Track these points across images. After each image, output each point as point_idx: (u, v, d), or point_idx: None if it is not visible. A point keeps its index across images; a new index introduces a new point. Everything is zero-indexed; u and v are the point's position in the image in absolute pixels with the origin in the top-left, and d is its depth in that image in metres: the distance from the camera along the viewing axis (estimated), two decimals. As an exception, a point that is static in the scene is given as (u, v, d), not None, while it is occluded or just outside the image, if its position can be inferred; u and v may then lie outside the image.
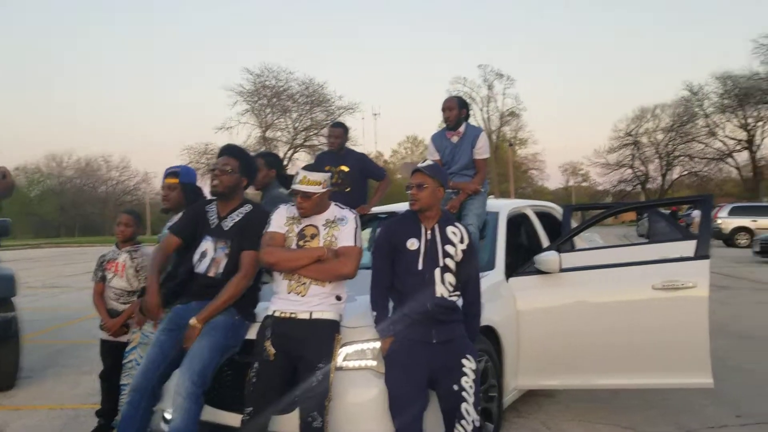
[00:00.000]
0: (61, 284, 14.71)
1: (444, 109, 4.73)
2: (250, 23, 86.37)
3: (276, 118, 46.30)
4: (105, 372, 4.07)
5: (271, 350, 3.03)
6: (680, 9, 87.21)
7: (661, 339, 3.89)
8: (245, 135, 44.81)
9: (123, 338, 3.95)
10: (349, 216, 3.20)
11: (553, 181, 72.94)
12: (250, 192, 4.25)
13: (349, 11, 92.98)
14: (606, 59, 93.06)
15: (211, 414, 3.25)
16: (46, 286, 14.26)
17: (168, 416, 3.34)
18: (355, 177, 5.11)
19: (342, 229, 3.15)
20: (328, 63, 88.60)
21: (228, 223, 3.35)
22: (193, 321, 3.16)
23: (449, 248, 3.18)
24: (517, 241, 5.28)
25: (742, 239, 22.10)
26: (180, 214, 3.77)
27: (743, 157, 49.43)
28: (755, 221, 22.41)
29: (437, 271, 3.13)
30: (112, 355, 3.99)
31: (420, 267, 3.13)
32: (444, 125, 4.81)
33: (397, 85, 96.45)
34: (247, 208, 3.41)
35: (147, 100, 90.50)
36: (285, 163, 26.85)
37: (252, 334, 3.28)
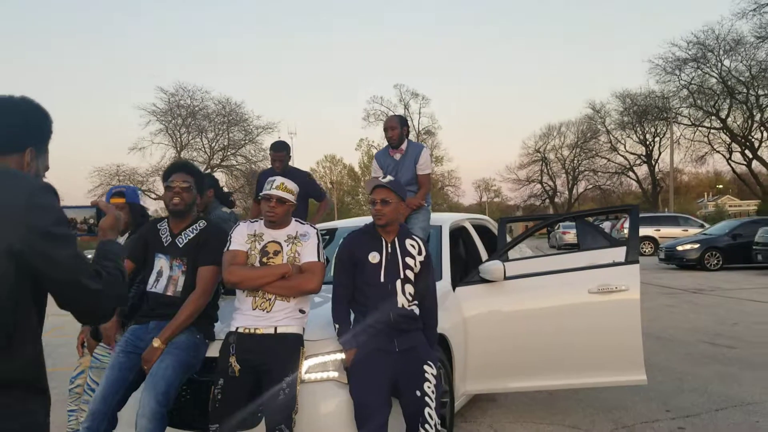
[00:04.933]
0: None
1: (386, 129, 4.88)
2: (164, 41, 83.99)
3: (192, 138, 45.22)
4: None
5: (236, 366, 3.04)
6: (583, 31, 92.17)
7: (599, 340, 4.16)
8: (159, 156, 43.47)
9: None
10: (311, 231, 3.28)
11: (468, 197, 74.68)
12: None
13: (265, 31, 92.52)
14: (514, 78, 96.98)
15: (173, 434, 3.22)
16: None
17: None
18: (297, 195, 5.15)
19: (305, 244, 3.22)
20: (244, 82, 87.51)
21: (182, 240, 3.33)
22: (156, 342, 3.12)
23: (409, 260, 3.32)
24: (458, 253, 5.49)
25: (647, 248, 23.47)
26: (126, 236, 3.73)
27: (643, 170, 52.63)
28: (658, 230, 23.88)
29: (398, 283, 3.26)
30: None
31: (382, 279, 3.24)
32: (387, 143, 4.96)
33: (314, 104, 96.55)
34: (201, 224, 3.40)
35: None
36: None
37: (212, 352, 3.28)
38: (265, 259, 3.18)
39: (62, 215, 1.54)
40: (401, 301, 3.25)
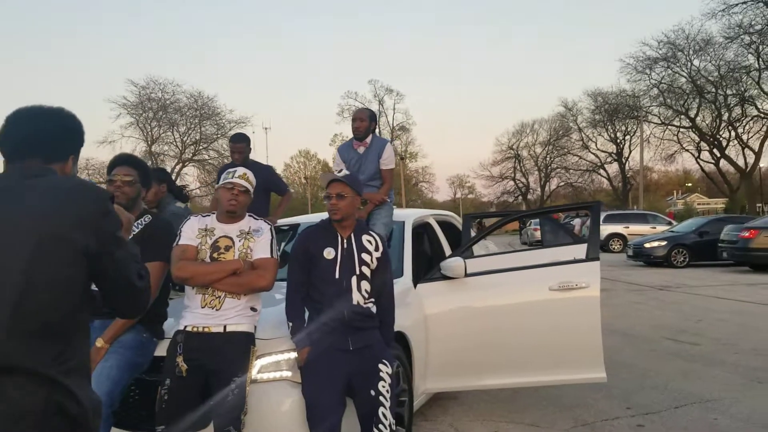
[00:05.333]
0: None
1: (355, 119, 4.81)
2: (136, 33, 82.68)
3: (163, 131, 44.58)
4: None
5: (183, 366, 2.94)
6: (557, 28, 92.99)
7: (559, 337, 4.13)
8: (129, 149, 42.58)
9: None
10: (264, 227, 3.18)
11: (442, 193, 74.89)
12: None
13: (239, 25, 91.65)
14: (488, 75, 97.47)
15: (120, 436, 3.11)
16: None
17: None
18: (258, 189, 5.04)
19: (257, 240, 3.13)
20: (218, 76, 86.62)
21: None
22: (99, 342, 3.00)
23: (365, 256, 3.24)
24: (422, 249, 5.43)
25: (616, 245, 23.75)
26: None
27: (614, 168, 53.33)
28: (627, 227, 24.19)
29: (354, 279, 3.18)
30: None
31: (337, 276, 3.16)
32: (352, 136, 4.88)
33: (288, 100, 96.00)
34: (146, 219, 3.27)
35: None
36: (174, 177, 25.85)
37: (160, 351, 3.17)
38: (215, 255, 3.08)
39: (120, 221, 1.76)
40: (356, 298, 3.17)
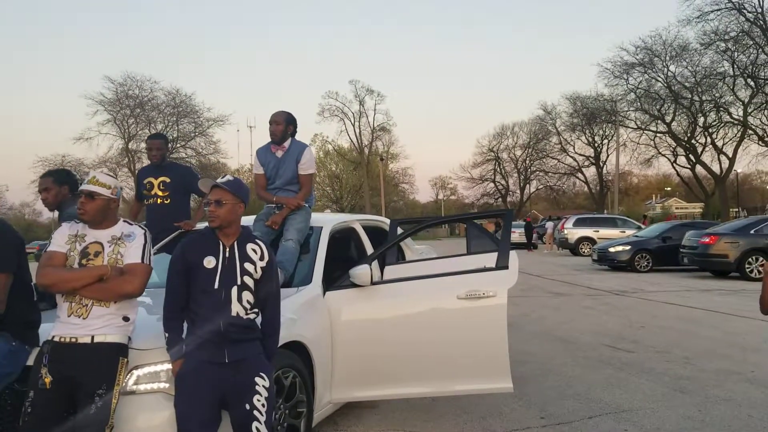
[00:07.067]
0: None
1: (271, 122, 4.73)
2: (114, 29, 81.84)
3: (140, 129, 44.21)
4: None
5: (47, 378, 2.84)
6: (536, 31, 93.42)
7: (466, 347, 4.07)
8: (106, 146, 42.33)
9: None
10: (138, 232, 3.08)
11: (423, 194, 75.00)
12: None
13: (221, 23, 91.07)
14: (469, 77, 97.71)
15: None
16: None
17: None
18: (177, 190, 4.97)
19: (129, 245, 3.02)
20: (201, 74, 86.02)
21: None
22: None
23: (248, 266, 3.14)
24: (347, 256, 5.36)
25: (586, 248, 23.83)
26: None
27: (591, 172, 53.66)
28: (597, 231, 24.28)
29: (234, 290, 3.08)
30: None
31: (216, 286, 3.06)
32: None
33: (273, 98, 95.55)
34: None
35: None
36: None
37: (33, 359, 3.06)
38: (84, 261, 2.97)
39: None
40: (236, 309, 3.07)
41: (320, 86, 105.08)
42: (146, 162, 7.41)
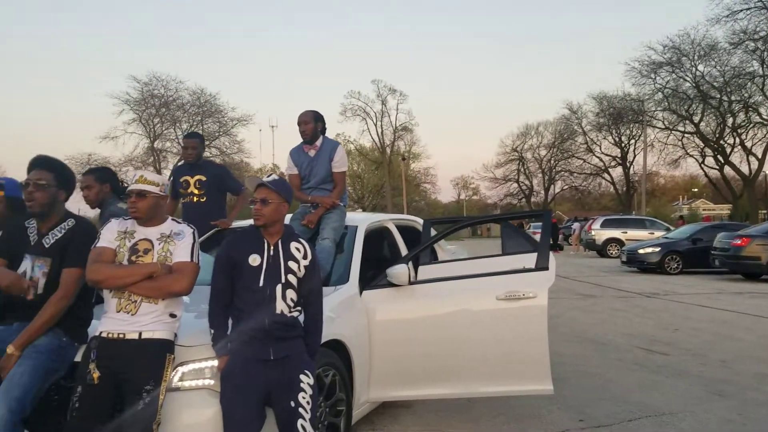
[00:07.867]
0: None
1: (300, 123, 4.74)
2: (138, 29, 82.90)
3: (165, 128, 44.67)
4: None
5: (95, 373, 2.87)
6: (562, 31, 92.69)
7: (505, 348, 4.04)
8: (132, 145, 42.85)
9: None
10: (187, 231, 3.11)
11: (445, 194, 74.79)
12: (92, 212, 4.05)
13: (243, 23, 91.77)
14: (493, 77, 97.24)
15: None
16: None
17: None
18: (212, 188, 5.02)
19: (178, 243, 3.05)
20: (226, 74, 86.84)
21: (49, 240, 3.15)
22: (10, 349, 2.93)
23: (292, 264, 3.16)
24: (380, 255, 5.35)
25: (614, 250, 23.57)
26: None
27: (618, 172, 52.97)
28: (625, 233, 24.00)
29: (279, 288, 3.10)
30: None
31: (261, 283, 3.08)
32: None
33: (296, 97, 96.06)
34: (70, 222, 3.21)
35: (22, 105, 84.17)
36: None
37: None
38: (134, 258, 3.00)
39: None
40: (280, 307, 3.09)
41: (343, 86, 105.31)
42: (171, 161, 7.47)
